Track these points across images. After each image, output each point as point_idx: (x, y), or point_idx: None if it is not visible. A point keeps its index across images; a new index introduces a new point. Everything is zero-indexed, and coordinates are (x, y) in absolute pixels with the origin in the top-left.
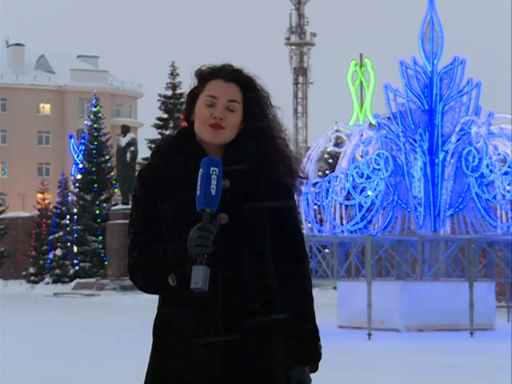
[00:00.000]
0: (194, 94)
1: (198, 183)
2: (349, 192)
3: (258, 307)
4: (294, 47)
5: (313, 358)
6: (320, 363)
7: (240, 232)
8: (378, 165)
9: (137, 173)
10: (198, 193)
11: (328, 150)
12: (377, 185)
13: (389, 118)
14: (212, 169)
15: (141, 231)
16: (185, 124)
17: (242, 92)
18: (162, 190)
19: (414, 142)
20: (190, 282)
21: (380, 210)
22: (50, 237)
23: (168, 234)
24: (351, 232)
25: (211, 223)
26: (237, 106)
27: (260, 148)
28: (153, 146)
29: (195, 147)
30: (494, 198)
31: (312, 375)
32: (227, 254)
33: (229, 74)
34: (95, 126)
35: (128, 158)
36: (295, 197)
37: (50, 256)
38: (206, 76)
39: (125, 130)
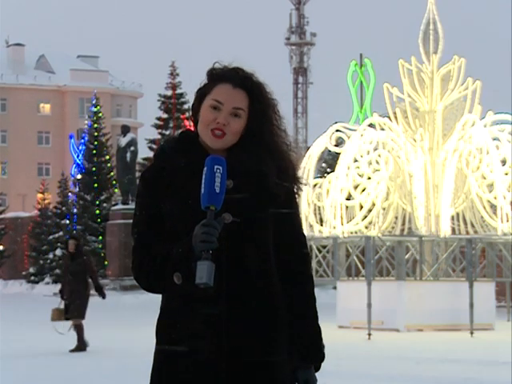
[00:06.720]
0: (202, 93)
1: (203, 181)
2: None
3: (262, 306)
4: (293, 47)
5: (317, 358)
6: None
7: (243, 231)
8: (378, 165)
9: (140, 173)
10: (203, 190)
11: (328, 149)
12: (377, 185)
13: (389, 118)
14: (216, 167)
15: (145, 231)
16: (186, 124)
17: (249, 99)
18: (166, 191)
19: (414, 142)
20: (195, 277)
21: (380, 210)
22: (50, 237)
23: (172, 233)
24: (351, 232)
25: (216, 220)
26: (241, 112)
27: (262, 152)
28: (153, 146)
29: (198, 149)
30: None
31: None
32: (231, 253)
33: (238, 79)
34: (95, 125)
35: (128, 158)
36: (296, 200)
37: (50, 256)
38: (215, 77)
39: (125, 130)
